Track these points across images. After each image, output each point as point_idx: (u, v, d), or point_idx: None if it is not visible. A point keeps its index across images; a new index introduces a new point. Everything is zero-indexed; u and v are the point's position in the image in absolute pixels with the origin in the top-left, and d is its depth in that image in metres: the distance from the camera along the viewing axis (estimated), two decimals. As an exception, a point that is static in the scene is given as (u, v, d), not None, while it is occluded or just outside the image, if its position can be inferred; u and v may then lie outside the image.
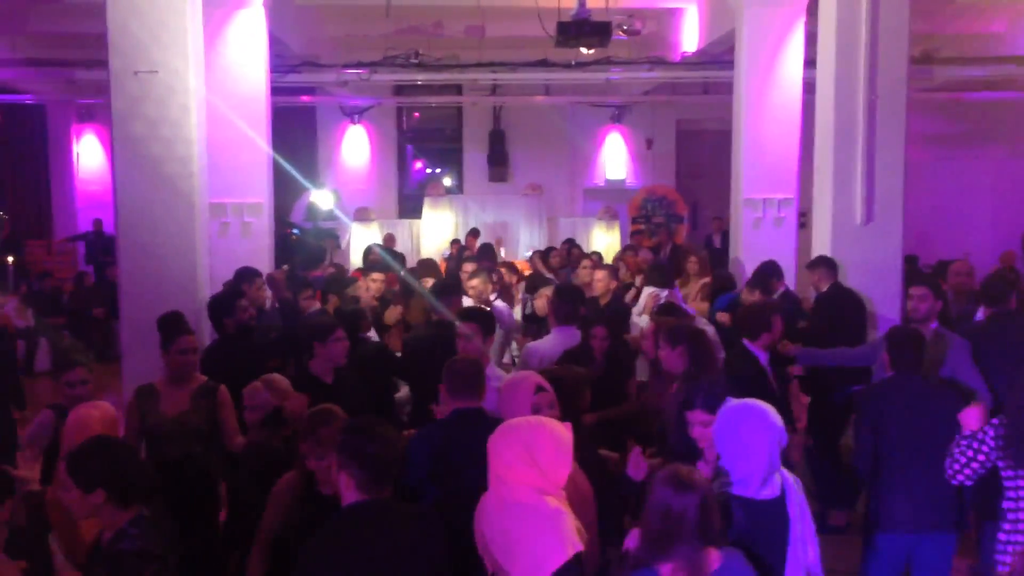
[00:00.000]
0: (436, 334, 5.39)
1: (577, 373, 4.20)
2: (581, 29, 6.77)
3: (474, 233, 14.72)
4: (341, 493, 3.00)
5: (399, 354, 5.78)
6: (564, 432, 2.84)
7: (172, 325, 5.16)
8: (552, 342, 5.42)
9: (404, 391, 5.80)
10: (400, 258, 11.37)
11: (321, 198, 8.82)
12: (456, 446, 3.58)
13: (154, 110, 6.88)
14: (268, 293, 7.24)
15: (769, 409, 3.15)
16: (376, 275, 6.79)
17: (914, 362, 4.43)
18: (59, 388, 4.53)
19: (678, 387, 4.33)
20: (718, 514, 2.71)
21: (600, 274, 7.68)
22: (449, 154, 18.45)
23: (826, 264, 7.12)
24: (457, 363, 3.92)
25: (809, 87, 9.33)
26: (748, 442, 3.08)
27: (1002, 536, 3.80)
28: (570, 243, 12.57)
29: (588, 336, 5.40)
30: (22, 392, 9.84)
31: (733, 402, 3.26)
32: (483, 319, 5.09)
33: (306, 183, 12.05)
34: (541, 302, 6.98)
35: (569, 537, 2.72)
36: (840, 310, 6.86)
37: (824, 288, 7.03)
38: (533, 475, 2.75)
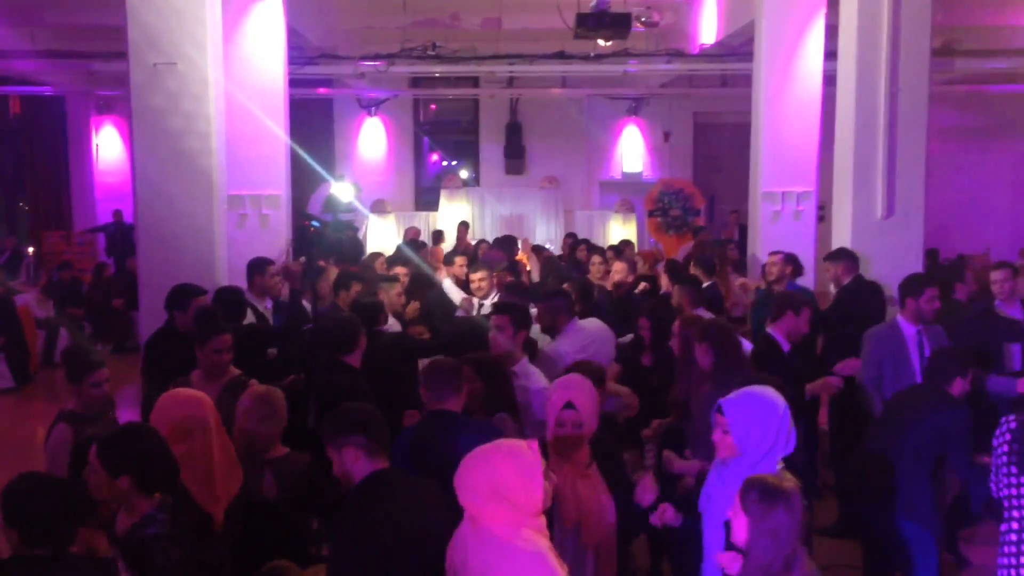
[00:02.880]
0: (472, 325, 5.42)
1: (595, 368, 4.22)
2: (600, 21, 6.73)
3: (464, 226, 14.77)
4: (349, 472, 3.08)
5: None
6: (529, 455, 2.64)
7: (208, 324, 5.03)
8: (561, 340, 5.40)
9: None
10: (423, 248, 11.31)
11: (342, 190, 8.84)
12: (430, 450, 3.57)
13: (173, 102, 6.91)
14: (282, 284, 7.19)
15: (769, 391, 3.20)
16: (399, 269, 6.78)
17: None
18: (83, 389, 4.51)
19: (710, 388, 4.28)
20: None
21: (619, 266, 7.66)
22: (465, 146, 18.43)
23: (848, 257, 7.04)
24: (435, 363, 3.93)
25: (829, 79, 9.28)
26: (757, 425, 3.12)
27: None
28: (573, 237, 12.51)
29: (636, 328, 5.42)
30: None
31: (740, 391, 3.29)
32: (516, 312, 4.99)
33: (327, 175, 12.03)
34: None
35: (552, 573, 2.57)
36: (863, 303, 6.79)
37: (846, 281, 6.96)
38: (505, 510, 2.58)
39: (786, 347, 5.37)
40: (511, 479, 2.57)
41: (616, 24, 6.92)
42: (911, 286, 5.54)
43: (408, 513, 3.00)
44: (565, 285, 6.36)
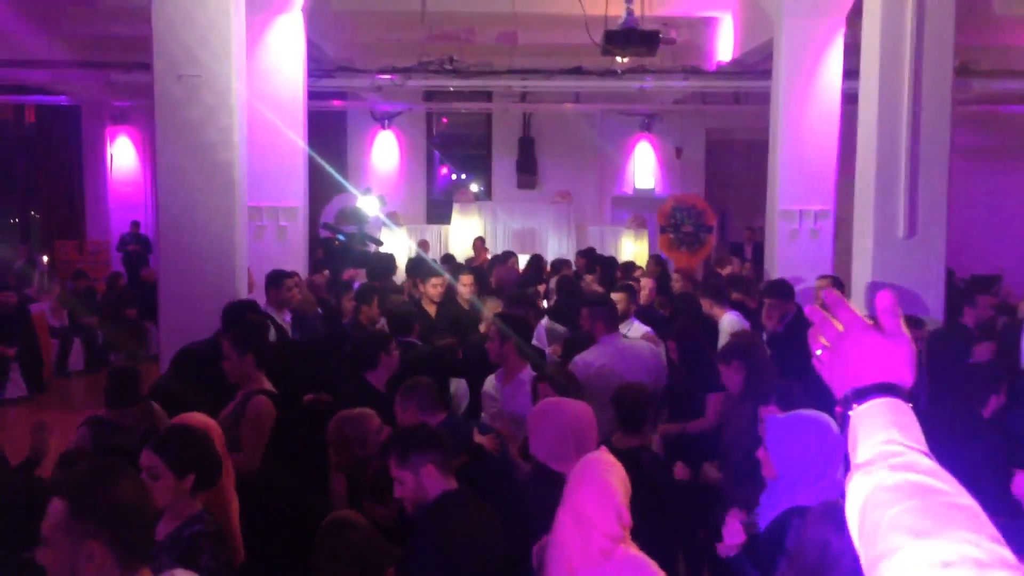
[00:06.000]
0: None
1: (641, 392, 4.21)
2: (629, 38, 6.72)
3: (481, 241, 14.82)
4: (425, 489, 3.05)
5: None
6: (607, 476, 2.65)
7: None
8: (598, 352, 5.39)
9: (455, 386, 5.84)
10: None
11: (367, 203, 8.86)
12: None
13: (197, 113, 6.92)
14: (299, 295, 7.16)
15: (823, 418, 3.13)
16: (436, 280, 6.78)
17: None
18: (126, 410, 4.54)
19: (743, 404, 4.27)
20: None
21: (646, 282, 7.64)
22: (478, 160, 18.46)
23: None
24: (417, 381, 4.05)
25: (847, 98, 9.28)
26: (803, 454, 3.06)
27: None
28: (588, 256, 12.38)
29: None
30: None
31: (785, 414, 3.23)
32: (516, 323, 5.21)
33: (351, 188, 12.07)
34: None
35: None
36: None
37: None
38: (611, 521, 2.56)
39: None
40: (591, 507, 2.56)
41: (644, 42, 6.91)
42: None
43: (481, 533, 3.00)
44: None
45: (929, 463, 1.19)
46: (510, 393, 4.98)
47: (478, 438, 3.95)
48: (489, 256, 13.00)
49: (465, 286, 7.29)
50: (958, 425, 4.37)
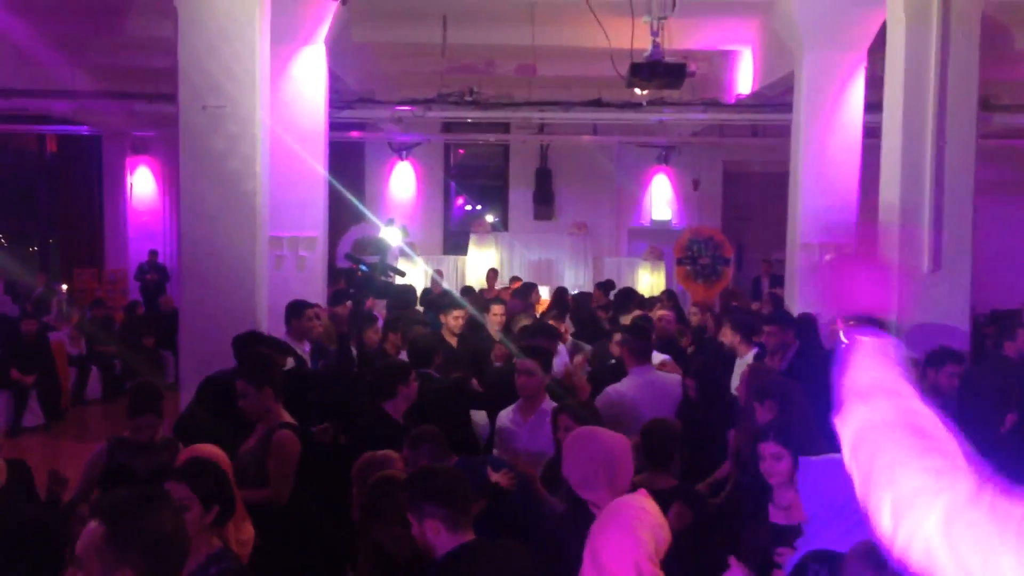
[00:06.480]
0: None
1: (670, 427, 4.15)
2: (655, 70, 6.73)
3: (494, 272, 14.82)
4: (431, 545, 2.93)
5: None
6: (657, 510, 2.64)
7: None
8: (629, 384, 5.34)
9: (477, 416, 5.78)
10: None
11: (391, 234, 8.93)
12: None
13: (221, 143, 6.96)
14: (319, 327, 7.14)
15: None
16: (457, 312, 6.75)
17: None
18: (144, 421, 4.52)
19: (750, 420, 4.24)
20: None
21: (665, 314, 7.60)
22: (495, 191, 18.49)
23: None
24: (424, 430, 4.03)
25: (868, 131, 9.25)
26: (835, 497, 2.99)
27: None
28: (607, 287, 12.32)
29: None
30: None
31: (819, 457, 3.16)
32: (545, 357, 5.13)
33: (375, 219, 12.11)
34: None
35: None
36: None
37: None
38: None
39: None
40: (656, 532, 2.52)
41: (671, 74, 6.92)
42: (932, 358, 5.50)
43: None
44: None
45: (918, 402, 1.38)
46: (534, 424, 4.91)
47: (493, 477, 3.88)
48: (498, 286, 12.98)
49: (496, 316, 7.23)
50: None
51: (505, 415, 5.11)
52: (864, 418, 1.36)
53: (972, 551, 1.14)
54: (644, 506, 2.61)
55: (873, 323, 1.49)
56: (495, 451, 5.08)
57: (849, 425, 1.38)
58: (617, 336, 6.41)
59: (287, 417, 4.54)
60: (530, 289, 10.38)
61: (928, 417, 1.34)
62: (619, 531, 2.53)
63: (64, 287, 16.07)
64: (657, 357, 6.27)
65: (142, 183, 17.62)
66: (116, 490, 2.61)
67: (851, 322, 1.51)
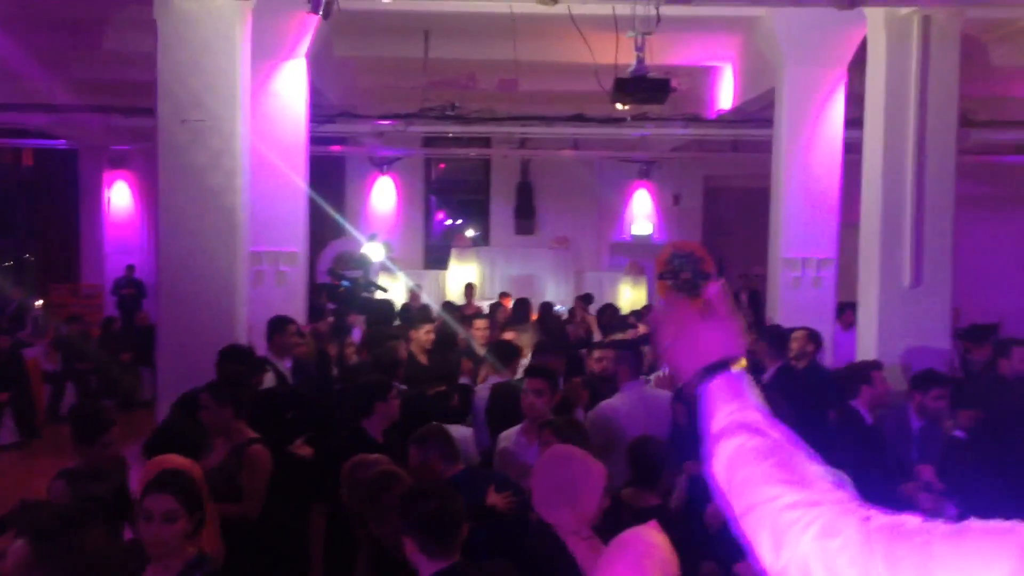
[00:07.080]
0: (507, 389, 5.39)
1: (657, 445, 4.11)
2: (639, 86, 6.73)
3: (470, 288, 14.66)
4: (414, 564, 2.92)
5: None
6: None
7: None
8: (622, 399, 5.30)
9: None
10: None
11: (373, 250, 8.84)
12: None
13: (201, 158, 6.89)
14: (302, 344, 7.05)
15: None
16: (427, 327, 6.68)
17: None
18: (93, 450, 4.41)
19: None
20: None
21: (644, 329, 7.57)
22: (476, 205, 18.48)
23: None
24: (430, 429, 4.04)
25: (848, 147, 9.30)
26: None
27: None
28: (584, 300, 12.29)
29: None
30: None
31: None
32: (552, 376, 5.03)
33: (358, 235, 12.04)
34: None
35: None
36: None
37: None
38: None
39: (869, 418, 5.24)
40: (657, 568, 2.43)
41: (655, 89, 6.92)
42: (917, 381, 5.51)
43: None
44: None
45: (769, 426, 1.41)
46: (541, 448, 4.78)
47: (492, 498, 3.81)
48: (476, 303, 12.92)
49: (479, 330, 7.14)
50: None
51: (508, 436, 4.92)
52: (727, 455, 1.40)
53: (849, 570, 1.18)
54: (653, 540, 2.53)
55: (723, 366, 1.51)
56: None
57: (718, 467, 1.42)
58: (596, 353, 6.37)
59: (251, 433, 4.55)
60: (525, 305, 10.40)
61: (785, 446, 1.37)
62: (626, 567, 2.47)
63: (39, 302, 15.88)
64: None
65: (119, 197, 17.45)
66: (41, 507, 2.57)
67: (704, 375, 1.53)
